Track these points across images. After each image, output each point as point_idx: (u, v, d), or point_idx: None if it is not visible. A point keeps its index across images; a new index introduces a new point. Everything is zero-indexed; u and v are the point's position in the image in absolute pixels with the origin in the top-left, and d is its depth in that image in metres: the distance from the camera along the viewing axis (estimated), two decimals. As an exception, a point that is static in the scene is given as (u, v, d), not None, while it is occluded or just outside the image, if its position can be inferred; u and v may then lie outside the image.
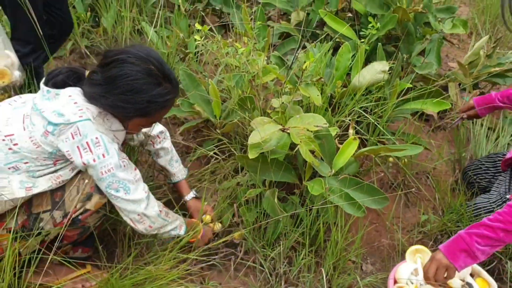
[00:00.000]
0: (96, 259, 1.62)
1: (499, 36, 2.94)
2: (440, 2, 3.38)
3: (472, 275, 1.56)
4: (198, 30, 2.05)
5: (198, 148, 2.02)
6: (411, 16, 2.44)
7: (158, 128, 1.80)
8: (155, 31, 2.72)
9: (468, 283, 1.50)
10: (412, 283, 1.52)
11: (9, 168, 1.36)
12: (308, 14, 2.79)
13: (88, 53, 2.82)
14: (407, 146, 1.81)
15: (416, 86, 2.40)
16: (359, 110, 1.95)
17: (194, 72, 2.38)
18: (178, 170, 1.83)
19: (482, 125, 2.39)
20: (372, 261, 1.79)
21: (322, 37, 2.51)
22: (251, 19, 2.48)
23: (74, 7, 2.89)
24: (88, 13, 2.90)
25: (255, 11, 2.73)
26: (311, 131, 1.65)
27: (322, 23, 2.82)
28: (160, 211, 1.52)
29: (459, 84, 2.69)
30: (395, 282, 1.55)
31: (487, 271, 1.60)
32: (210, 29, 2.59)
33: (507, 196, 1.73)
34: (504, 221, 1.36)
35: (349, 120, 1.98)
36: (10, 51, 2.03)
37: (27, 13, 1.83)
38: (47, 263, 1.37)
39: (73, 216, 1.44)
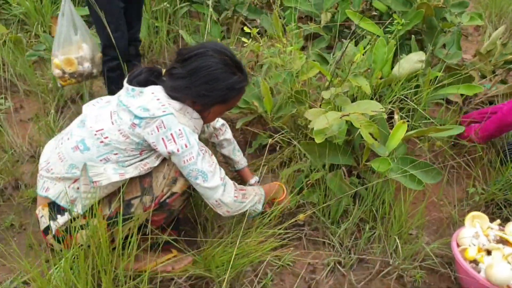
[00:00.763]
0: (179, 244, 1.75)
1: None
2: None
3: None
4: (247, 33, 2.22)
5: (256, 139, 2.18)
6: (434, 11, 2.64)
7: (220, 121, 1.96)
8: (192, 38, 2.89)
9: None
10: (474, 245, 1.69)
11: (100, 160, 1.51)
12: (333, 15, 2.98)
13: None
14: (452, 126, 1.99)
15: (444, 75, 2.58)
16: (401, 96, 2.13)
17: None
18: (241, 158, 1.99)
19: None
20: (428, 233, 1.95)
21: (352, 35, 2.69)
22: (283, 24, 2.67)
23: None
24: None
25: (282, 16, 2.91)
26: (369, 116, 1.82)
27: (345, 23, 3.02)
28: (236, 196, 1.64)
29: (480, 73, 2.87)
30: (458, 246, 1.72)
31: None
32: (244, 34, 2.77)
33: None
34: None
35: (392, 107, 2.15)
36: (86, 45, 2.30)
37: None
38: (143, 247, 1.52)
39: (161, 200, 1.59)
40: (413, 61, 2.20)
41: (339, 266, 1.78)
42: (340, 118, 1.83)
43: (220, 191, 1.59)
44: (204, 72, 1.53)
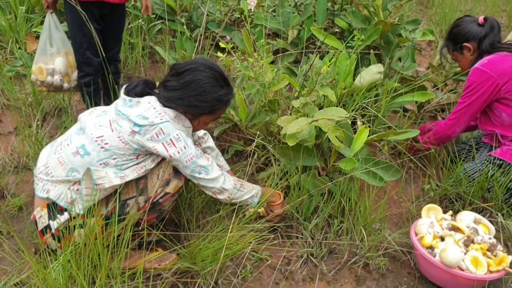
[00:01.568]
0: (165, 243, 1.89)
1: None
2: (406, 16, 3.90)
3: (476, 222, 1.96)
4: (220, 49, 2.40)
5: (232, 146, 2.35)
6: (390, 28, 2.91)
7: (202, 131, 2.13)
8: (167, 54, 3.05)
9: (474, 228, 1.91)
10: (430, 233, 1.90)
11: (100, 164, 1.66)
12: (299, 32, 3.20)
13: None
14: (407, 130, 2.22)
15: (400, 85, 2.84)
16: (363, 104, 2.35)
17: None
18: (224, 163, 2.16)
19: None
20: (390, 226, 2.16)
21: (317, 50, 2.92)
22: (253, 40, 2.87)
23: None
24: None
25: (252, 33, 3.12)
26: (335, 121, 2.03)
27: (310, 39, 3.26)
28: (235, 184, 1.84)
29: (433, 83, 3.16)
30: (416, 235, 1.93)
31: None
32: (216, 50, 2.95)
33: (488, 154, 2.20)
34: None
35: (355, 114, 2.37)
36: (61, 59, 2.46)
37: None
38: (131, 246, 1.64)
39: (155, 200, 1.73)
40: (372, 72, 2.43)
41: (311, 258, 1.96)
42: (310, 123, 2.03)
43: (222, 180, 1.79)
44: (195, 85, 1.71)
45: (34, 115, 2.73)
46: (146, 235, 1.83)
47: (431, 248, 1.87)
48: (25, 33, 3.46)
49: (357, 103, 2.37)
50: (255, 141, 2.13)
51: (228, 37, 3.46)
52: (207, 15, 3.57)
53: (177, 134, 1.67)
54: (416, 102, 3.02)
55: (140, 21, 3.26)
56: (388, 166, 2.06)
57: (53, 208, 1.71)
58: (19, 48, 3.35)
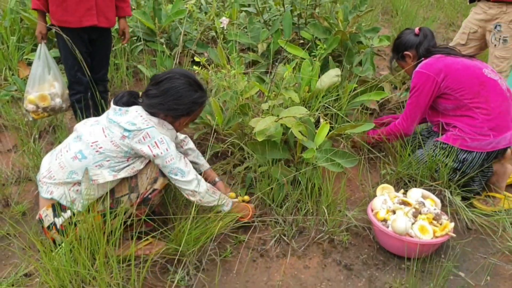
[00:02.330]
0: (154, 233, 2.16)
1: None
2: (367, 25, 4.27)
3: (424, 197, 2.27)
4: (197, 62, 2.72)
5: (211, 148, 2.64)
6: (348, 37, 3.25)
7: (182, 135, 2.41)
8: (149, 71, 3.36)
9: (421, 202, 2.21)
10: (384, 208, 2.20)
11: (96, 166, 1.94)
12: (268, 45, 3.53)
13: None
14: (363, 123, 2.54)
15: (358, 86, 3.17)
16: (325, 104, 2.67)
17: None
18: (204, 162, 2.44)
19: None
20: (352, 208, 2.45)
21: (282, 59, 3.24)
22: (227, 54, 3.19)
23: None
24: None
25: (226, 48, 3.44)
26: (298, 118, 2.33)
27: (279, 50, 3.58)
28: (208, 189, 2.08)
29: (392, 84, 3.49)
30: (372, 211, 2.23)
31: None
32: (193, 65, 3.27)
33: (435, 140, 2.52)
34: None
35: (318, 114, 2.68)
36: (58, 83, 2.71)
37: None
38: (125, 237, 1.91)
39: (145, 196, 2.01)
40: (331, 76, 2.75)
41: (283, 237, 2.25)
42: (276, 121, 2.33)
43: (195, 183, 2.03)
44: (173, 91, 2.00)
45: (31, 133, 3.00)
46: (137, 226, 2.10)
47: (384, 221, 2.16)
48: (17, 60, 3.75)
49: (320, 103, 2.69)
50: (230, 140, 2.42)
51: (206, 54, 3.78)
52: (185, 34, 3.90)
53: (161, 138, 1.95)
54: (378, 101, 3.36)
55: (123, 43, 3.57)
56: (346, 155, 2.36)
57: (57, 207, 1.98)
58: (13, 74, 3.63)
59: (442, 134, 2.52)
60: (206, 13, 4.30)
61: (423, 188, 2.40)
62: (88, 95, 2.80)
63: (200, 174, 2.47)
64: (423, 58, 2.58)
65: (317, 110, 2.69)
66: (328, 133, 2.45)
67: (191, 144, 2.43)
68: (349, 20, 3.45)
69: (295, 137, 2.33)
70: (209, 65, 2.92)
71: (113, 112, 2.00)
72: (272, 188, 2.35)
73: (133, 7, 4.28)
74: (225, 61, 2.99)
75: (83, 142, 1.97)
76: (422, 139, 2.69)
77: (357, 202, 2.52)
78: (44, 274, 1.77)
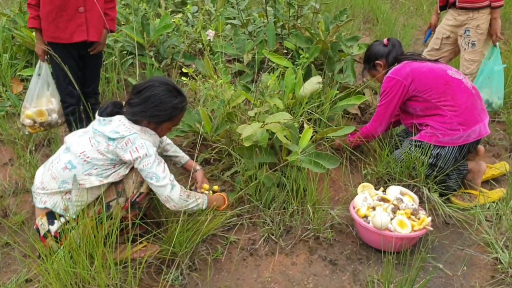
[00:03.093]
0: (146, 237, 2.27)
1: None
2: (348, 34, 4.44)
3: (402, 194, 2.41)
4: (185, 73, 2.85)
5: (201, 154, 2.77)
6: (329, 45, 3.40)
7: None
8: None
9: (399, 198, 2.35)
10: (364, 206, 2.34)
11: (85, 175, 2.06)
12: (253, 55, 3.68)
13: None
14: (343, 127, 2.68)
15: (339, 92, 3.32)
16: (308, 110, 2.81)
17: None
18: (183, 155, 2.56)
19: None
20: (336, 207, 2.58)
21: (269, 69, 3.39)
22: (213, 65, 3.33)
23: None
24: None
25: (212, 59, 3.58)
26: (282, 124, 2.47)
27: (264, 60, 3.73)
28: (181, 195, 2.11)
29: (373, 90, 3.65)
30: (354, 208, 2.37)
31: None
32: (181, 76, 3.40)
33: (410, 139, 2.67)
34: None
35: (302, 119, 2.83)
36: (55, 99, 2.83)
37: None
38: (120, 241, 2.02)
39: (133, 200, 2.12)
40: (313, 83, 2.90)
41: (272, 236, 2.38)
42: (261, 127, 2.47)
43: (168, 189, 2.10)
44: (153, 99, 2.11)
45: (27, 146, 3.10)
46: (131, 230, 2.21)
47: (365, 217, 2.30)
48: (11, 77, 3.86)
49: (303, 109, 2.83)
50: (218, 146, 2.54)
51: (193, 65, 3.92)
52: (173, 47, 4.04)
53: (141, 143, 2.06)
54: (360, 106, 3.52)
55: (113, 57, 3.70)
56: (328, 157, 2.50)
57: (51, 216, 2.09)
58: (6, 90, 3.74)
59: (416, 134, 2.67)
60: (192, 26, 4.44)
61: (401, 186, 2.54)
62: (80, 107, 2.92)
63: (182, 166, 2.57)
64: (392, 66, 2.75)
65: (301, 116, 2.83)
66: (311, 137, 2.59)
67: (168, 140, 2.55)
68: (329, 30, 3.61)
69: (281, 141, 2.47)
70: (197, 76, 3.06)
71: (98, 122, 2.11)
72: (260, 190, 2.47)
73: (122, 23, 4.43)
74: (212, 71, 3.13)
75: (72, 153, 2.08)
76: (399, 140, 2.83)
77: (340, 201, 2.65)
78: (46, 275, 1.87)
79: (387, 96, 2.68)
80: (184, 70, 2.85)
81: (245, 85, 3.14)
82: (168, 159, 2.55)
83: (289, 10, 3.62)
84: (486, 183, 2.87)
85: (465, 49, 3.35)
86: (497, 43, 3.37)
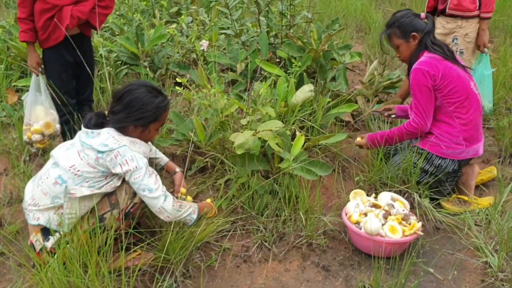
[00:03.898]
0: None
1: (386, 60, 4.01)
2: (340, 42, 4.50)
3: (393, 200, 2.44)
4: (179, 83, 2.89)
5: (195, 163, 2.80)
6: (322, 54, 3.45)
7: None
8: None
9: (391, 204, 2.38)
10: (356, 212, 2.37)
11: (76, 186, 2.06)
12: (247, 64, 3.73)
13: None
14: (335, 134, 2.72)
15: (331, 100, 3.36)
16: (300, 118, 2.85)
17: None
18: (163, 156, 2.56)
19: (388, 122, 3.38)
20: (329, 213, 2.61)
21: (261, 77, 3.43)
22: (207, 74, 3.37)
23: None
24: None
25: (206, 69, 3.62)
26: (274, 131, 2.51)
27: (257, 69, 3.78)
28: (174, 206, 2.11)
29: (365, 97, 3.70)
30: (346, 214, 2.40)
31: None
32: (175, 86, 3.44)
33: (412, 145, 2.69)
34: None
35: (294, 127, 2.86)
36: (54, 111, 2.86)
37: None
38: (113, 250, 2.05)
39: (126, 210, 2.14)
40: (305, 91, 2.93)
41: (265, 243, 2.40)
42: (254, 135, 2.50)
43: (162, 200, 2.11)
44: (135, 102, 2.10)
45: (21, 156, 3.12)
46: (125, 239, 2.23)
47: (357, 223, 2.33)
48: (6, 87, 3.89)
49: (296, 117, 2.87)
50: (211, 154, 2.57)
51: (188, 75, 3.96)
52: (167, 57, 4.09)
53: (131, 156, 2.07)
54: (352, 114, 3.56)
55: (108, 68, 3.74)
56: (320, 164, 2.54)
57: (46, 232, 2.10)
58: (1, 101, 3.77)
59: (418, 138, 2.68)
60: (187, 36, 4.49)
61: (395, 192, 2.57)
62: (74, 116, 2.94)
63: (162, 168, 2.57)
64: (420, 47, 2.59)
65: (293, 124, 2.87)
66: (303, 144, 2.63)
67: (150, 143, 2.55)
68: (321, 39, 3.66)
69: (273, 149, 2.50)
70: (191, 85, 3.10)
71: (85, 135, 2.10)
72: (253, 198, 2.50)
73: (117, 33, 4.47)
74: (205, 81, 3.17)
75: (61, 168, 2.08)
76: (399, 146, 2.85)
77: (333, 207, 2.68)
78: (41, 285, 1.89)
79: (423, 89, 2.52)
80: (178, 80, 2.89)
81: (238, 94, 3.18)
82: (149, 161, 2.58)
83: (282, 19, 3.68)
84: (476, 188, 2.91)
85: (454, 57, 3.39)
86: (486, 49, 3.42)
